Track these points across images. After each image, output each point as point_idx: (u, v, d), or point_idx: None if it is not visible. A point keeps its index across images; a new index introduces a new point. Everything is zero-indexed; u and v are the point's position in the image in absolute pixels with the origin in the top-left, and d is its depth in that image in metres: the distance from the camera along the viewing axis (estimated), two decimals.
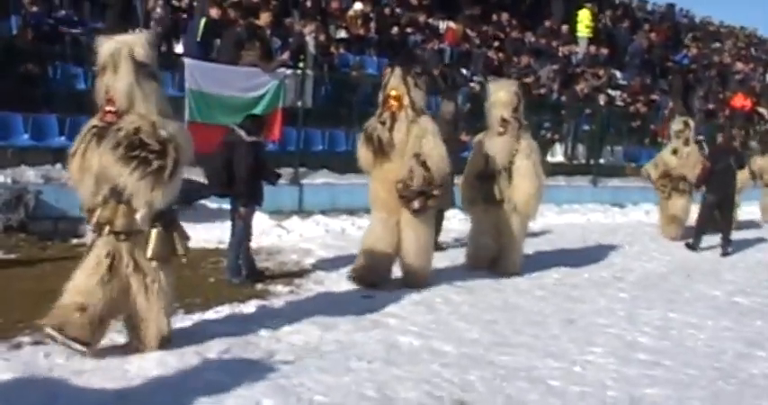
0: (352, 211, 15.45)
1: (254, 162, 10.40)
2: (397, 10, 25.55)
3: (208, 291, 10.17)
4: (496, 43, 26.66)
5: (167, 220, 7.54)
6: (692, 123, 18.04)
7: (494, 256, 12.33)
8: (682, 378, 8.10)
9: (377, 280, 10.71)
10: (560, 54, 28.03)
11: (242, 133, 10.45)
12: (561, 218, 19.28)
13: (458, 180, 12.92)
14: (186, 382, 6.91)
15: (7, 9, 16.28)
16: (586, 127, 24.50)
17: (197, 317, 8.87)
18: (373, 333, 8.76)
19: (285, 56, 17.56)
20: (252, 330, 8.38)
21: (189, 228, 12.67)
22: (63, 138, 13.60)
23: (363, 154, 10.85)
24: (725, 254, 16.01)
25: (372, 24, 23.52)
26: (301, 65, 17.79)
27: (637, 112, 26.74)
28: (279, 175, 11.39)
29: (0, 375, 6.68)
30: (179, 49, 18.13)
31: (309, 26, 19.06)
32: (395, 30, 23.72)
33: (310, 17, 20.18)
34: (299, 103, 17.30)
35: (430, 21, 26.39)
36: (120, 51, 7.19)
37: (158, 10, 18.15)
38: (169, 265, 7.63)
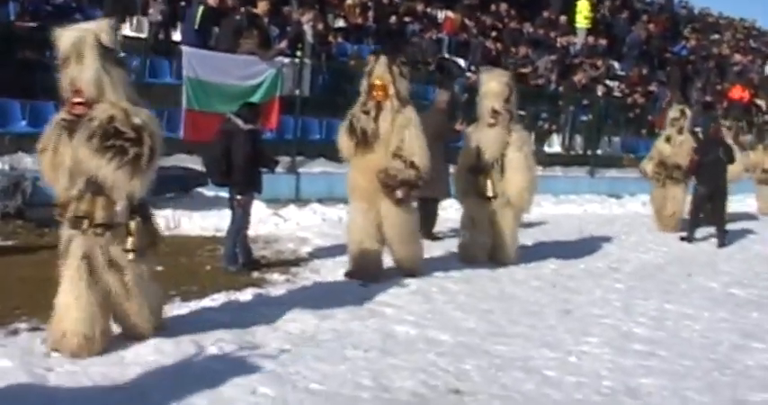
0: (348, 200, 15.43)
1: (252, 150, 10.36)
2: None
3: (204, 278, 10.16)
4: (494, 33, 26.65)
5: (145, 210, 7.39)
6: (688, 112, 17.92)
7: (488, 250, 12.21)
8: (677, 369, 8.11)
9: (372, 277, 10.56)
10: (558, 44, 28.03)
11: (239, 122, 10.41)
12: (558, 208, 19.30)
13: (452, 169, 12.89)
14: (182, 369, 6.91)
15: None
16: (584, 118, 24.52)
17: (193, 304, 8.85)
18: (369, 322, 8.76)
19: (283, 44, 17.54)
20: (248, 318, 8.36)
21: (186, 216, 12.92)
22: None
23: (345, 143, 10.64)
24: (721, 245, 16.02)
25: (370, 13, 23.54)
26: (299, 53, 17.77)
27: (634, 102, 26.75)
28: (277, 162, 11.37)
29: None
30: (177, 37, 18.12)
31: (307, 15, 19.08)
32: (393, 19, 23.70)
33: (308, 6, 20.19)
34: (297, 92, 17.32)
35: (428, 10, 26.41)
36: (83, 39, 6.89)
37: None
38: (148, 258, 7.39)
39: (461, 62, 24.27)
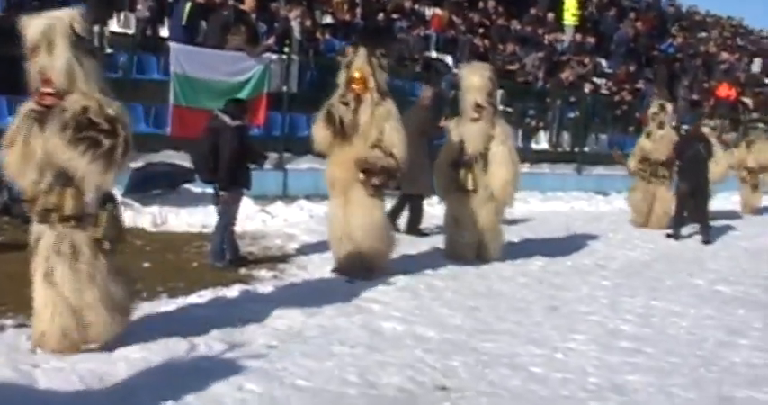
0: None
1: (239, 146, 10.33)
2: None
3: (191, 275, 10.15)
4: (482, 30, 26.64)
5: (114, 201, 7.18)
6: (668, 107, 17.89)
7: (474, 248, 12.10)
8: (663, 365, 8.13)
9: (360, 274, 10.46)
10: (546, 42, 28.04)
11: (226, 118, 10.38)
12: (545, 205, 19.34)
13: None
14: (169, 365, 6.90)
15: None
16: (571, 115, 24.57)
17: (180, 301, 8.83)
18: (356, 318, 8.76)
19: (271, 41, 17.51)
20: (235, 315, 8.35)
21: (173, 212, 12.90)
22: None
23: (321, 133, 10.48)
24: (706, 242, 16.08)
25: (358, 10, 23.49)
26: (287, 50, 17.77)
27: (622, 100, 26.81)
28: (266, 157, 11.34)
29: None
30: (164, 33, 18.07)
31: (295, 11, 19.08)
32: (381, 16, 23.68)
33: (296, 2, 20.21)
34: (284, 88, 17.33)
35: (416, 7, 26.37)
36: (53, 27, 6.63)
37: None
38: (113, 253, 7.13)
39: (449, 60, 24.27)
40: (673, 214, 16.87)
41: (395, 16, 24.41)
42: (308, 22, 19.97)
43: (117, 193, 12.41)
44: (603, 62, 30.07)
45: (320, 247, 11.88)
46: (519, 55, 25.60)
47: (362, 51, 10.49)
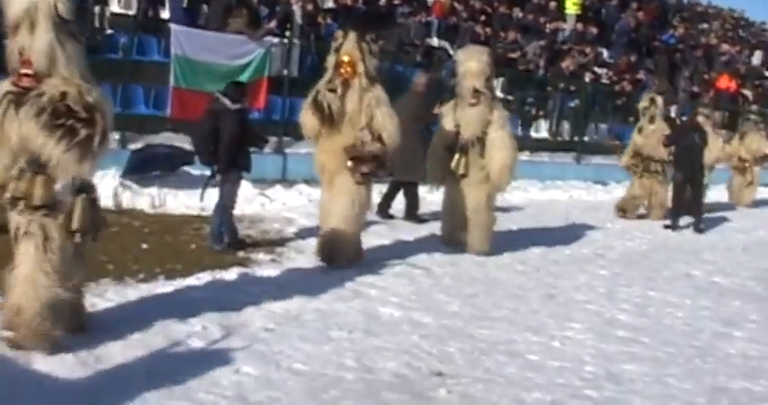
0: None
1: (239, 130, 10.30)
2: None
3: (189, 257, 10.14)
4: (484, 17, 26.57)
5: (91, 192, 6.80)
6: (659, 100, 17.74)
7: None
8: (659, 355, 8.16)
9: (331, 260, 10.24)
10: (547, 30, 27.96)
11: (226, 101, 10.35)
12: (544, 194, 19.32)
13: None
14: (165, 347, 6.91)
15: None
16: (571, 104, 24.53)
17: (178, 283, 8.84)
18: (354, 303, 8.78)
19: (272, 24, 17.47)
20: (232, 298, 8.38)
21: (171, 194, 12.89)
22: None
23: (309, 120, 10.26)
24: (698, 230, 16.11)
25: None
26: (288, 34, 17.73)
27: (622, 90, 26.72)
28: (266, 140, 11.30)
29: None
30: (165, 14, 18.01)
31: None
32: (382, 1, 23.61)
33: None
34: (285, 72, 17.30)
35: None
36: (36, 6, 6.26)
37: None
38: (84, 244, 6.82)
39: (449, 47, 24.21)
40: (663, 206, 16.91)
41: (396, 2, 24.33)
42: (310, 7, 19.93)
43: (116, 173, 12.60)
44: (604, 52, 29.98)
45: (318, 231, 11.86)
46: (520, 43, 25.52)
47: (352, 35, 10.25)
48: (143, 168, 13.33)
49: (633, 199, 17.39)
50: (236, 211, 11.17)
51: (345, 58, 10.13)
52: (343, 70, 10.15)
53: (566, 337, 8.41)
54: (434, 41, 24.64)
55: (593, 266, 12.04)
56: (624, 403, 6.93)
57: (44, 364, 6.31)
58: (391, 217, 13.78)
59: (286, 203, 14.00)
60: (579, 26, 29.44)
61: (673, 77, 29.74)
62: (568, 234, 14.27)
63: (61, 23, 6.38)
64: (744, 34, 42.11)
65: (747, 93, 32.19)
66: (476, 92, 11.66)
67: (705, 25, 39.46)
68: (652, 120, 17.25)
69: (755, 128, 22.85)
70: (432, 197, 14.43)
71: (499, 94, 20.53)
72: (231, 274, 9.37)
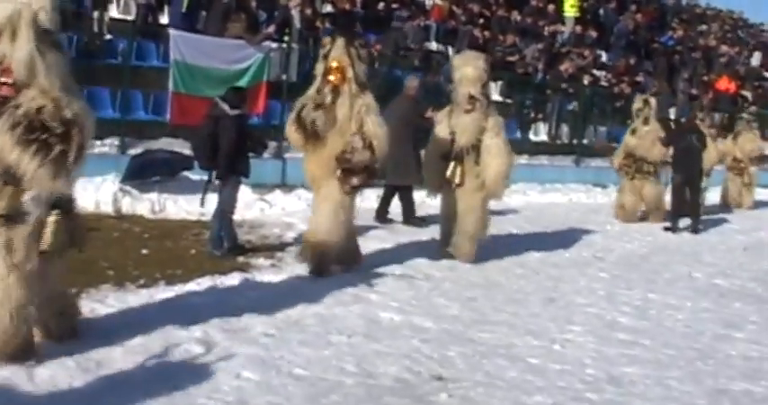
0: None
1: (238, 135, 10.30)
2: None
3: (189, 262, 10.16)
4: (482, 21, 26.57)
5: (68, 205, 6.62)
6: (652, 102, 17.69)
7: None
8: (660, 358, 8.15)
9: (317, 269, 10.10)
10: (546, 33, 27.97)
11: (225, 107, 10.36)
12: (543, 197, 19.35)
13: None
14: (166, 353, 6.90)
15: None
16: (570, 107, 24.55)
17: (178, 288, 8.84)
18: (354, 308, 8.77)
19: (271, 29, 17.52)
20: (233, 303, 8.38)
21: (171, 199, 12.89)
22: None
23: (293, 135, 10.03)
24: (694, 231, 16.12)
25: None
26: (287, 38, 17.74)
27: (621, 92, 26.74)
28: (266, 146, 11.29)
29: None
30: (164, 20, 18.05)
31: (295, 0, 19.00)
32: (381, 5, 23.63)
33: None
34: (284, 77, 17.31)
35: None
36: (20, 14, 6.10)
37: None
38: (57, 261, 6.64)
39: (449, 50, 24.22)
40: (659, 207, 16.90)
41: (395, 6, 24.34)
42: (309, 11, 19.95)
43: (115, 179, 12.62)
44: (603, 54, 30.01)
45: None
46: (519, 46, 25.54)
47: (340, 41, 10.04)
48: (143, 174, 13.35)
49: (622, 208, 17.31)
50: (236, 217, 11.18)
51: (334, 64, 9.90)
52: (332, 76, 9.91)
53: (566, 340, 8.39)
54: (433, 45, 24.67)
55: (592, 269, 12.04)
56: None
57: (44, 368, 6.29)
58: (390, 221, 13.78)
59: (285, 208, 14.00)
60: (578, 29, 29.45)
61: (672, 79, 29.77)
62: (568, 237, 14.26)
63: (43, 33, 6.24)
64: (743, 35, 42.11)
65: (747, 94, 32.22)
66: (471, 98, 11.43)
67: (704, 27, 39.48)
68: (646, 121, 17.20)
69: (748, 126, 22.81)
70: (431, 201, 14.42)
71: (498, 97, 20.60)
72: (231, 280, 9.36)
